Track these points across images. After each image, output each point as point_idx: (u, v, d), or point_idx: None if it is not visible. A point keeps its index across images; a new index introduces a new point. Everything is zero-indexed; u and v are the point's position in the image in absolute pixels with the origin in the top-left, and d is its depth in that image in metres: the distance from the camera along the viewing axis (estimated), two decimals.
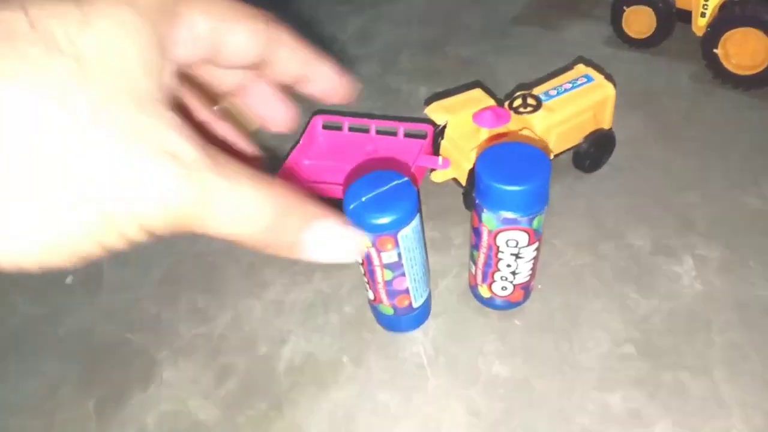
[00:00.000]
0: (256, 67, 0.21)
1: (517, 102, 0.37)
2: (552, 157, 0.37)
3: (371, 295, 0.30)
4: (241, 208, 0.17)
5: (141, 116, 0.15)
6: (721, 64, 0.44)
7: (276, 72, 0.21)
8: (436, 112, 0.39)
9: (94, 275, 0.38)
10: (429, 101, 0.40)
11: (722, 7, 0.44)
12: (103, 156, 0.14)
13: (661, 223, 0.36)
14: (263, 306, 0.34)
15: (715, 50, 0.44)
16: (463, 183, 0.37)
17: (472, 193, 0.34)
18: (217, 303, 0.35)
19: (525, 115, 0.36)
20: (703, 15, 0.45)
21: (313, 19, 0.60)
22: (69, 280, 0.38)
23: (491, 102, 0.38)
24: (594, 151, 0.38)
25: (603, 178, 0.39)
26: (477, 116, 0.36)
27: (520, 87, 0.37)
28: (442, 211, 0.38)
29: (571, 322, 0.31)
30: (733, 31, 0.42)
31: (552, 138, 0.36)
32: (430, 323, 0.32)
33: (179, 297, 0.36)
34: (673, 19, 0.47)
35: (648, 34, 0.48)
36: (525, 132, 0.36)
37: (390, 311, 0.30)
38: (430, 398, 0.29)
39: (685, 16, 0.47)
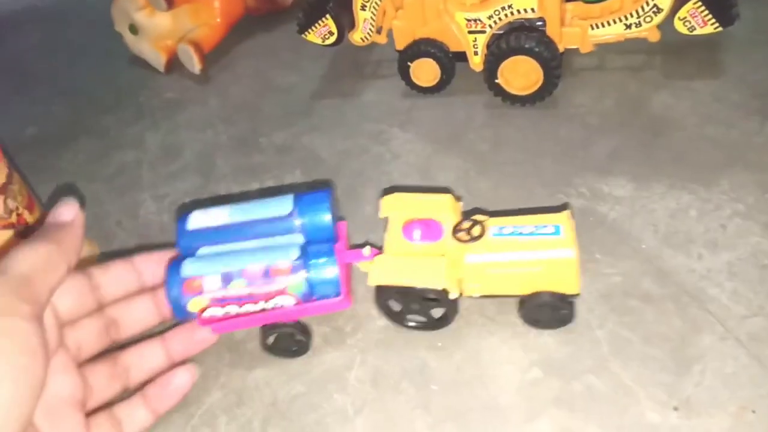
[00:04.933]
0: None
1: (465, 225, 0.34)
2: (476, 296, 0.34)
3: None
4: None
5: None
6: (505, 91, 0.50)
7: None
8: (388, 204, 0.36)
9: None
10: (388, 191, 0.38)
11: (489, 44, 0.49)
12: None
13: None
14: None
15: (496, 80, 0.49)
16: None
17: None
18: None
19: (459, 243, 0.33)
20: (476, 53, 0.50)
21: (108, 151, 0.57)
22: None
23: (448, 215, 0.35)
24: (536, 310, 0.34)
25: None
26: (406, 227, 0.34)
27: (478, 210, 0.36)
28: None
29: (479, 368, 0.33)
30: (505, 61, 0.48)
31: (477, 277, 0.33)
32: (355, 402, 0.31)
33: None
34: (453, 62, 0.52)
35: (437, 81, 0.53)
36: (442, 259, 0.33)
37: None
38: None
39: (462, 57, 0.52)
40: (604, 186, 0.42)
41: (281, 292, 0.32)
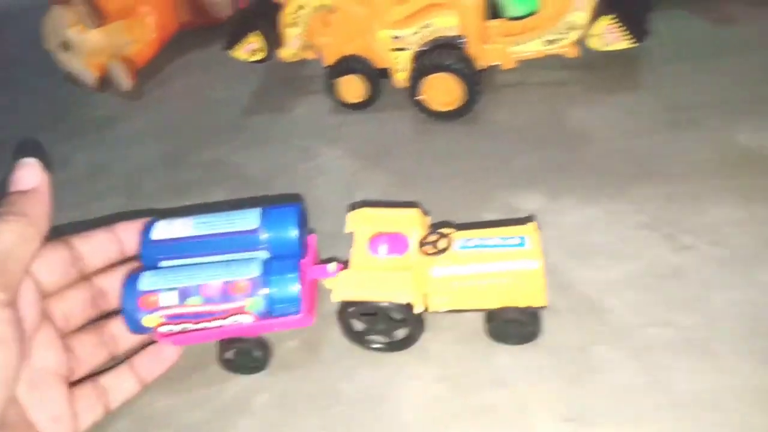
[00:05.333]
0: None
1: (431, 238, 0.33)
2: (442, 311, 0.34)
3: None
4: None
5: None
6: (429, 107, 0.51)
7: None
8: (354, 218, 0.36)
9: None
10: (356, 206, 0.37)
11: (412, 61, 0.50)
12: None
13: None
14: None
15: (419, 97, 0.50)
16: None
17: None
18: None
19: (425, 256, 0.33)
20: (399, 70, 0.51)
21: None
22: None
23: (415, 229, 0.35)
24: (504, 323, 0.33)
25: None
26: (372, 241, 0.34)
27: (445, 224, 0.35)
28: None
29: (385, 386, 0.33)
30: (427, 78, 0.49)
31: (442, 291, 0.33)
32: (261, 427, 0.32)
33: None
34: (379, 79, 0.53)
35: (364, 97, 0.53)
36: (408, 273, 0.32)
37: None
38: None
39: (387, 73, 0.52)
40: (518, 200, 0.43)
41: (239, 311, 0.32)
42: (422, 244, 0.33)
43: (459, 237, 0.34)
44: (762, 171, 0.42)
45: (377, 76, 0.53)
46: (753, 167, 0.42)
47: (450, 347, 0.34)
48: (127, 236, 0.33)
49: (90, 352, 0.32)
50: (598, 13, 0.48)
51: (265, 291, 0.32)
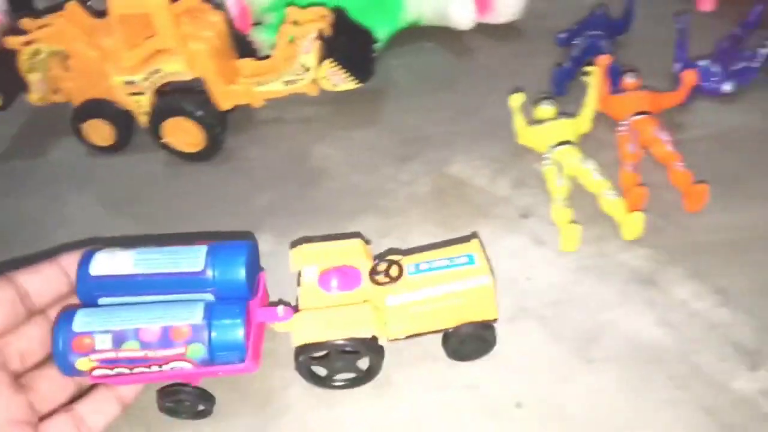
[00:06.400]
0: None
1: (381, 267, 0.33)
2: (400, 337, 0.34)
3: None
4: None
5: None
6: (176, 149, 0.50)
7: None
8: (298, 256, 0.35)
9: None
10: (296, 243, 0.36)
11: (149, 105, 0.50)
12: None
13: None
14: None
15: (163, 140, 0.50)
16: None
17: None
18: None
19: (379, 286, 0.33)
20: (143, 113, 0.51)
21: None
22: None
23: (362, 260, 0.35)
24: (461, 342, 0.34)
25: None
26: (322, 277, 0.33)
27: (391, 251, 0.35)
28: None
29: None
30: (164, 122, 0.49)
31: (400, 318, 0.33)
32: None
33: None
34: (128, 121, 0.52)
35: (113, 140, 0.52)
36: (367, 305, 0.32)
37: None
38: None
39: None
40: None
41: (178, 357, 0.30)
42: (373, 273, 0.33)
43: (408, 262, 0.34)
44: (468, 201, 0.45)
45: (125, 119, 0.52)
46: (461, 197, 0.46)
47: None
48: (72, 268, 0.32)
49: (57, 385, 0.31)
50: (322, 56, 0.50)
51: (207, 337, 0.30)
